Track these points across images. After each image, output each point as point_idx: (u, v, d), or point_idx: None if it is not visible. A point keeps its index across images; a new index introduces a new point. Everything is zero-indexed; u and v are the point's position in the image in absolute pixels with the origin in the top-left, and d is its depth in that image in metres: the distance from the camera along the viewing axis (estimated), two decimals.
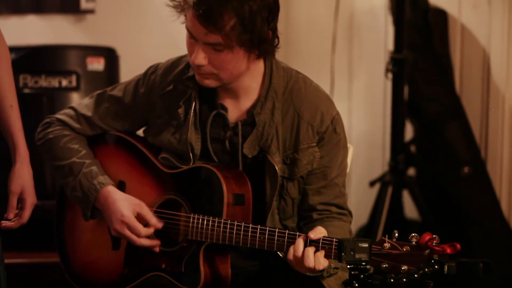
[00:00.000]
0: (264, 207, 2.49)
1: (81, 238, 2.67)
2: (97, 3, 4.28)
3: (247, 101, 2.52)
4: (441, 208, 4.33)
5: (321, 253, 2.27)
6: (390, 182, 4.14)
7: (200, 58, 2.39)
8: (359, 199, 4.47)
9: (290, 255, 2.31)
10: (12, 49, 3.75)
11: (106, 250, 2.59)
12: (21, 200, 2.52)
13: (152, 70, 2.62)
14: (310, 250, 2.28)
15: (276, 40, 2.44)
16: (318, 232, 2.30)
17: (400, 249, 2.20)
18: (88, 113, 2.64)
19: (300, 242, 2.30)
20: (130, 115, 2.62)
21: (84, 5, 4.25)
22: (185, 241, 2.48)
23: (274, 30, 2.41)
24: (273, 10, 2.38)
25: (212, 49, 2.38)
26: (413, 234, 2.20)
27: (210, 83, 2.46)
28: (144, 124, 2.65)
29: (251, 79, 2.49)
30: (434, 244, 2.16)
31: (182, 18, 2.42)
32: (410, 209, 4.33)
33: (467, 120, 4.31)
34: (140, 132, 2.68)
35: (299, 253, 2.29)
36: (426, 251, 2.16)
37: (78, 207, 2.62)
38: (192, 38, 2.40)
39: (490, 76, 4.33)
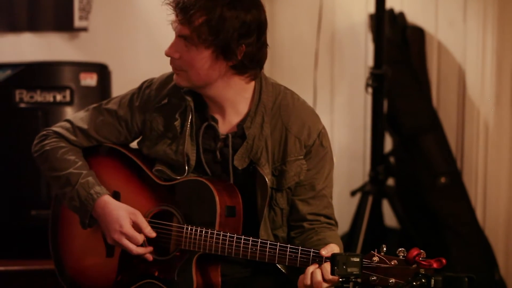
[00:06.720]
0: (256, 217, 2.52)
1: (76, 245, 2.69)
2: (90, 22, 4.27)
3: (235, 115, 2.55)
4: (419, 217, 4.34)
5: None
6: (371, 192, 4.15)
7: (171, 50, 2.47)
8: (341, 208, 4.39)
9: (309, 281, 2.32)
10: (8, 66, 3.74)
11: (101, 257, 2.63)
12: None
13: (147, 84, 2.65)
14: (327, 266, 2.28)
15: (252, 58, 2.46)
16: (330, 250, 2.33)
17: (388, 262, 2.22)
18: (84, 125, 2.66)
19: (318, 273, 2.31)
20: (124, 127, 2.65)
21: (77, 23, 4.24)
22: (178, 250, 2.52)
23: (249, 46, 2.44)
24: (249, 27, 2.42)
25: (184, 44, 2.44)
26: (401, 249, 2.22)
27: (181, 81, 2.50)
28: (138, 136, 2.68)
29: (235, 94, 2.52)
30: (421, 258, 2.17)
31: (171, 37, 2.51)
32: (389, 218, 4.35)
33: (443, 133, 4.34)
34: (134, 144, 2.71)
35: (319, 278, 2.30)
36: (414, 266, 2.18)
37: (72, 216, 2.64)
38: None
39: (465, 91, 4.32)
